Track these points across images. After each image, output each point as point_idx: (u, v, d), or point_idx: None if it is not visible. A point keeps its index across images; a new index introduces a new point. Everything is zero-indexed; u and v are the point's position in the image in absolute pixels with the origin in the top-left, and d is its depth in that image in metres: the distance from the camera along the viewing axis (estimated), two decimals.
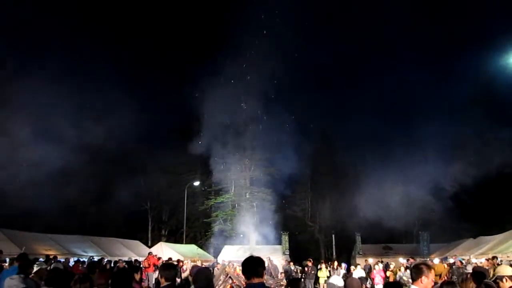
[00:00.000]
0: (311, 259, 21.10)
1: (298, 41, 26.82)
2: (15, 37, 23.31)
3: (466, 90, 27.70)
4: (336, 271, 19.91)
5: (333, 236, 35.42)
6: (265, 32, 25.38)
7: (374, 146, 29.87)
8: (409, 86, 30.72)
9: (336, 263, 20.95)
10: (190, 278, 5.34)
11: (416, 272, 3.66)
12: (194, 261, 21.49)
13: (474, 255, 19.28)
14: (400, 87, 30.24)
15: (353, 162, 31.33)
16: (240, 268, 14.00)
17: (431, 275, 3.64)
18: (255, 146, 28.35)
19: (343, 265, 20.73)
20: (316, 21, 31.66)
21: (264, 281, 3.27)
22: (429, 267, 3.70)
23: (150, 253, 19.46)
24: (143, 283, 16.50)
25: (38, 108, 21.00)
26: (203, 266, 15.10)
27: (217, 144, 27.77)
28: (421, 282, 3.60)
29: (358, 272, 17.12)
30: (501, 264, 10.73)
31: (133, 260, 18.23)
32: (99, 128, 23.89)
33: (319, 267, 20.02)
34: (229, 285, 13.47)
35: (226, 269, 15.77)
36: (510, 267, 4.55)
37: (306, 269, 19.84)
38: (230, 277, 13.81)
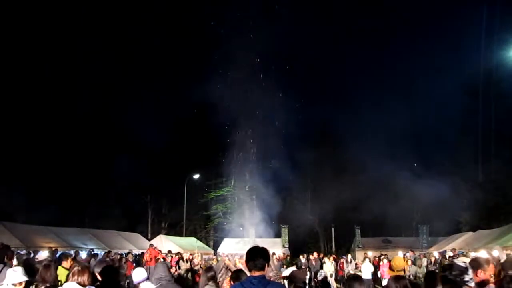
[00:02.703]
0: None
1: (299, 34, 26.71)
2: None
3: (466, 83, 27.68)
4: (350, 264, 20.03)
5: (333, 229, 35.53)
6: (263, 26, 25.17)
7: (374, 139, 29.87)
8: (410, 77, 30.64)
9: (349, 256, 21.10)
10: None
11: (474, 265, 3.60)
12: (192, 254, 21.55)
13: (473, 249, 19.31)
14: (401, 77, 30.16)
15: (354, 155, 31.30)
16: (240, 261, 14.00)
17: (490, 270, 3.57)
18: (256, 139, 28.28)
19: (349, 257, 20.91)
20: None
21: (265, 274, 3.22)
22: (488, 262, 3.64)
23: (151, 245, 19.23)
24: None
25: None
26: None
27: (217, 137, 27.77)
28: (477, 275, 3.54)
29: (366, 265, 17.13)
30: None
31: (136, 254, 18.22)
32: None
33: (323, 260, 20.08)
34: (228, 278, 13.44)
35: (226, 262, 15.74)
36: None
37: (314, 262, 19.84)
38: (229, 269, 13.76)
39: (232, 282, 4.57)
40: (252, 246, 3.41)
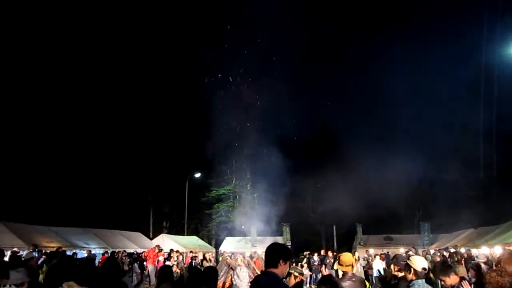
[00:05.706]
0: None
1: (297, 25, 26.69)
2: None
3: (468, 80, 27.61)
4: (357, 261, 19.96)
5: (334, 227, 35.50)
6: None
7: (376, 137, 29.85)
8: (411, 74, 30.57)
9: (357, 254, 21.07)
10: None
11: None
12: (195, 253, 21.62)
13: (474, 245, 19.31)
14: (401, 74, 30.04)
15: (355, 152, 31.30)
16: (242, 259, 13.98)
17: None
18: (257, 137, 28.26)
19: (355, 255, 20.80)
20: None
21: (276, 272, 3.14)
22: None
23: (157, 246, 18.71)
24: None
25: None
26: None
27: (219, 136, 27.70)
28: None
29: (377, 262, 17.07)
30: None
31: (135, 252, 18.20)
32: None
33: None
34: (230, 276, 13.46)
35: (228, 260, 15.76)
36: (422, 258, 4.30)
37: (328, 260, 19.69)
38: (231, 268, 13.78)
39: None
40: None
